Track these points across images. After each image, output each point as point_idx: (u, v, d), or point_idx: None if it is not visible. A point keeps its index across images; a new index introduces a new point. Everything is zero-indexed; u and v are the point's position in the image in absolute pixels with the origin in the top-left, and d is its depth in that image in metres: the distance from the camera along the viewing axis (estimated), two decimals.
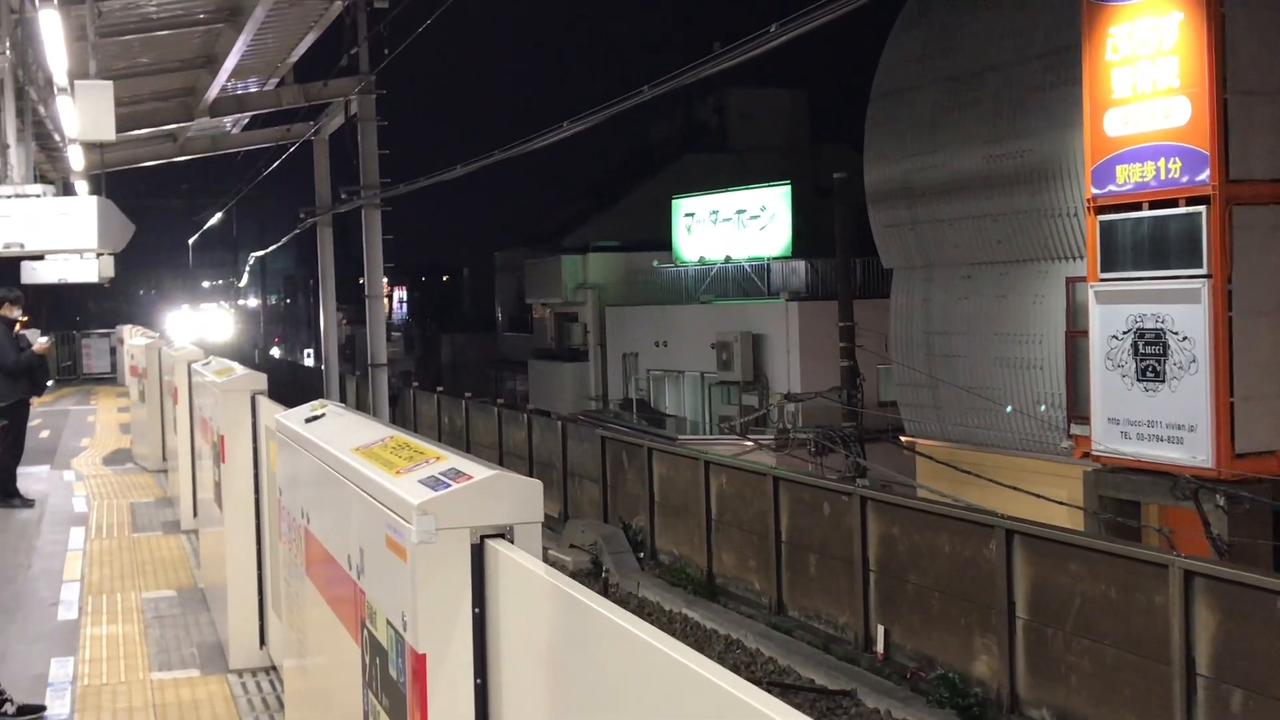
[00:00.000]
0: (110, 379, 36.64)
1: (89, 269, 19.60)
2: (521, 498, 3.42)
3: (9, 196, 11.31)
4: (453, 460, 3.73)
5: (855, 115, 26.78)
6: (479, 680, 3.39)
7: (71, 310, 75.09)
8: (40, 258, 18.62)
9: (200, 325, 52.08)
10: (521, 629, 3.21)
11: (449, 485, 3.46)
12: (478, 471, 3.48)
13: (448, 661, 3.41)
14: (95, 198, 12.68)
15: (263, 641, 7.93)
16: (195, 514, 11.50)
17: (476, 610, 3.38)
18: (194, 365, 10.75)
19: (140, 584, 10.53)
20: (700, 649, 15.62)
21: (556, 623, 2.98)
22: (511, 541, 3.37)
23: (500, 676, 3.35)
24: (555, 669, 3.02)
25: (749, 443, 25.06)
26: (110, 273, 21.32)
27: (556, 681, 3.01)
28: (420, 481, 3.60)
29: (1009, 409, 21.28)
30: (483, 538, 3.39)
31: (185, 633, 8.94)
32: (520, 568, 3.19)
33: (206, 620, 9.21)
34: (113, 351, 37.84)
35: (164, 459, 15.89)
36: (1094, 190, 17.34)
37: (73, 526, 13.23)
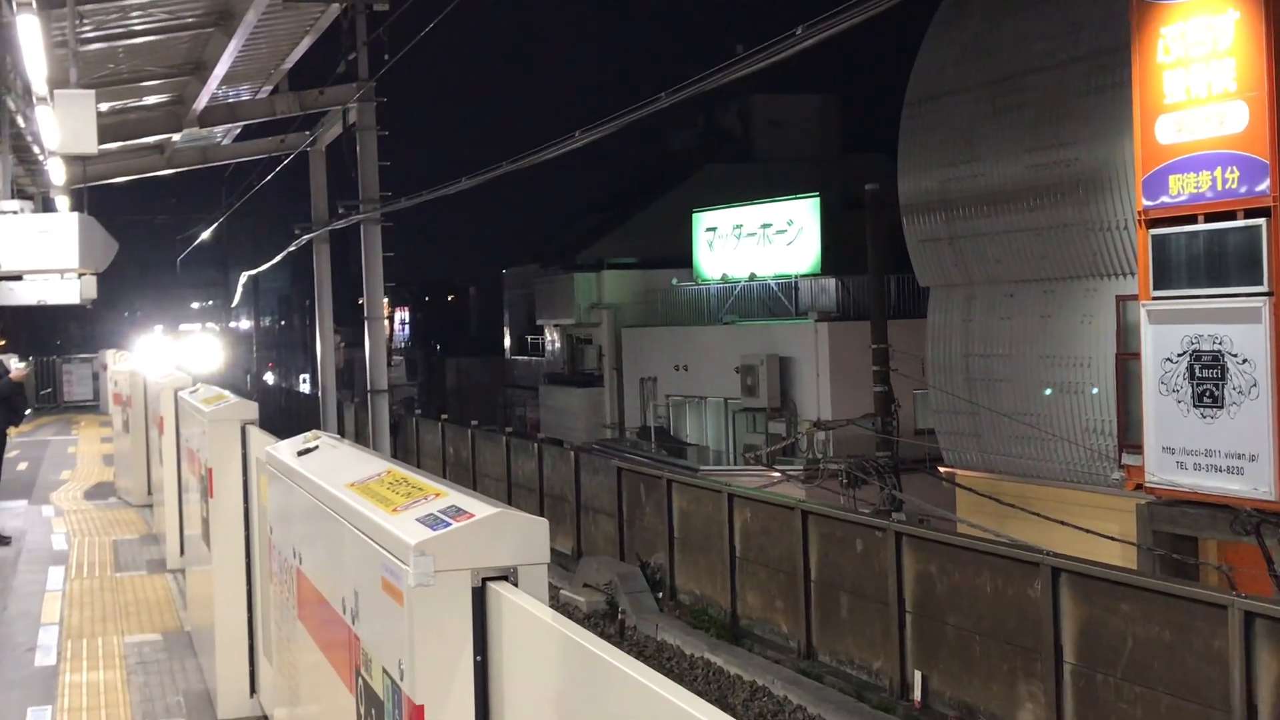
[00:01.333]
0: (93, 407, 36.81)
1: (70, 290, 19.65)
2: (526, 537, 3.42)
3: None
4: (453, 497, 3.74)
5: (889, 122, 26.80)
6: None
7: (52, 334, 75.46)
8: (18, 278, 18.69)
9: (180, 351, 51.88)
10: (526, 679, 3.21)
11: (449, 524, 3.47)
12: (479, 509, 3.49)
13: (447, 714, 3.41)
14: (77, 214, 12.77)
15: (253, 689, 7.93)
16: (182, 552, 11.53)
17: (478, 658, 3.38)
18: (181, 393, 10.79)
19: (123, 627, 10.55)
20: (723, 697, 15.57)
21: (564, 673, 2.97)
22: (515, 584, 3.37)
23: None
24: None
25: (776, 474, 25.02)
26: (93, 294, 21.36)
27: None
28: (418, 520, 3.61)
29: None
30: (485, 580, 3.39)
31: (171, 680, 8.95)
32: (525, 613, 3.19)
33: (194, 666, 9.23)
34: (95, 378, 38.03)
35: (149, 493, 15.93)
36: (1145, 202, 17.30)
37: (51, 565, 13.27)
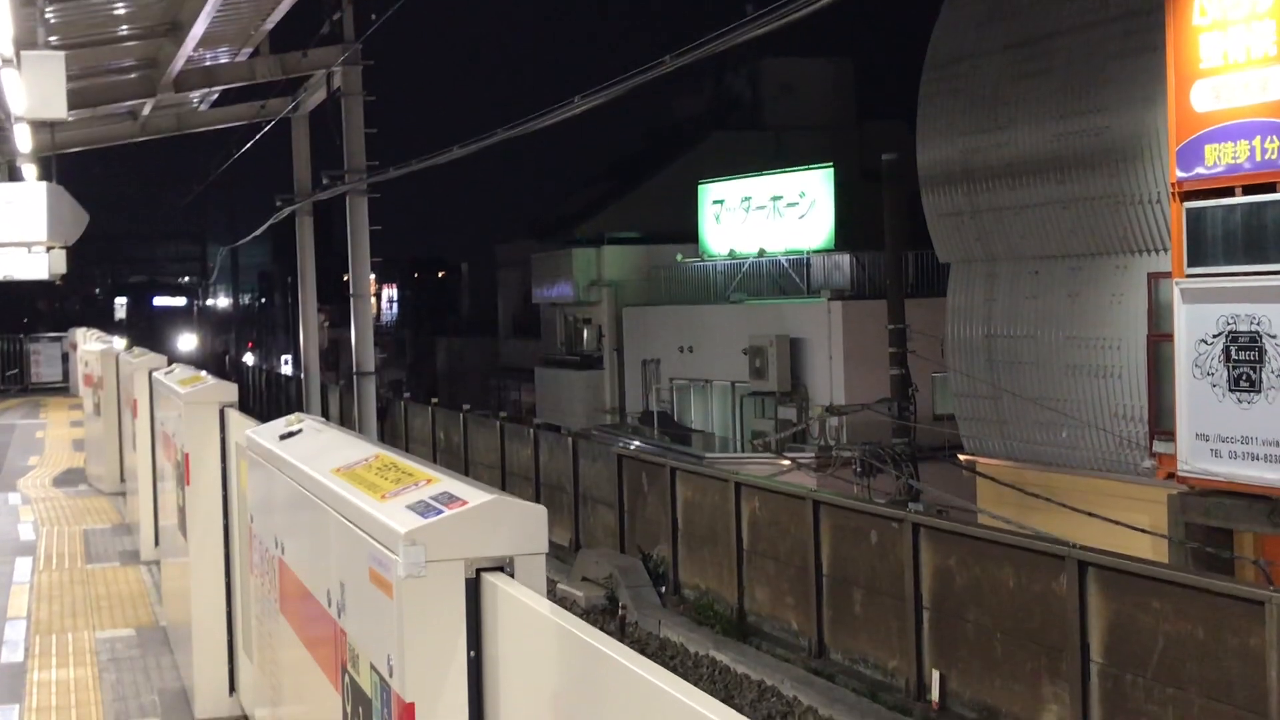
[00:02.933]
0: (62, 389, 36.83)
1: (38, 264, 19.68)
2: (523, 525, 3.42)
3: None
4: (445, 483, 3.74)
5: (907, 88, 26.75)
6: None
7: (18, 311, 75.46)
8: None
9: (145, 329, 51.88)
10: (523, 675, 3.21)
11: (441, 511, 3.47)
12: (473, 496, 3.49)
13: (439, 712, 3.42)
14: (45, 184, 12.77)
15: (233, 688, 7.95)
16: (157, 543, 11.54)
17: (472, 653, 3.39)
18: (156, 374, 10.79)
19: (95, 622, 10.57)
20: (729, 697, 15.60)
21: (563, 667, 2.98)
22: (511, 575, 3.37)
23: None
24: None
25: (785, 461, 25.04)
26: (62, 268, 21.45)
27: None
28: (408, 507, 3.61)
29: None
30: (479, 571, 3.40)
31: (145, 678, 8.97)
32: (522, 605, 3.19)
33: (169, 663, 9.25)
34: (65, 358, 38.05)
35: (122, 480, 15.96)
36: (1179, 173, 17.28)
37: (19, 557, 13.29)
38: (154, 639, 9.93)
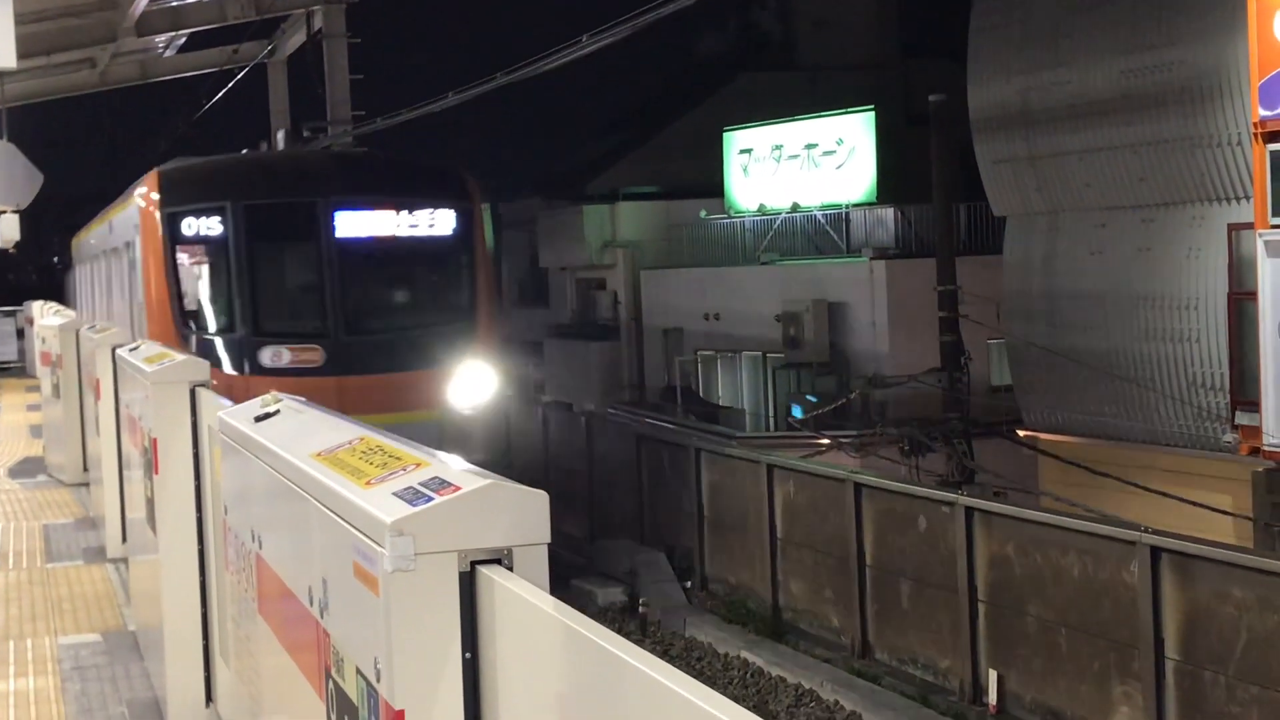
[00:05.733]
0: (17, 368, 36.97)
1: None
2: (523, 513, 3.43)
3: None
4: (436, 467, 3.75)
5: (957, 21, 26.64)
6: None
7: None
8: None
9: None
10: (524, 677, 3.23)
11: (431, 498, 3.48)
12: (467, 481, 3.50)
13: (432, 719, 3.44)
14: None
15: (209, 698, 7.99)
16: (124, 539, 11.59)
17: (467, 655, 3.41)
18: (120, 351, 10.83)
19: (57, 626, 10.63)
20: (763, 702, 15.66)
21: (568, 669, 3.00)
22: (510, 568, 3.39)
23: None
24: None
25: (824, 441, 25.04)
26: (14, 234, 21.48)
27: None
28: (395, 494, 3.63)
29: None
30: (474, 564, 3.41)
31: (113, 687, 9.03)
32: (521, 601, 3.21)
33: (139, 671, 9.30)
34: (20, 334, 38.17)
35: (85, 469, 16.02)
36: (1263, 112, 17.20)
37: None
38: (122, 644, 9.98)
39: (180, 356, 8.75)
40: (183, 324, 15.37)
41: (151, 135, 53.98)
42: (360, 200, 16.01)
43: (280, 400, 5.80)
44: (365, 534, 3.66)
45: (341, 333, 15.48)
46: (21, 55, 12.45)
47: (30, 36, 20.50)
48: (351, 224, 15.88)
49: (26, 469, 19.12)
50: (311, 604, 4.36)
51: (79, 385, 15.67)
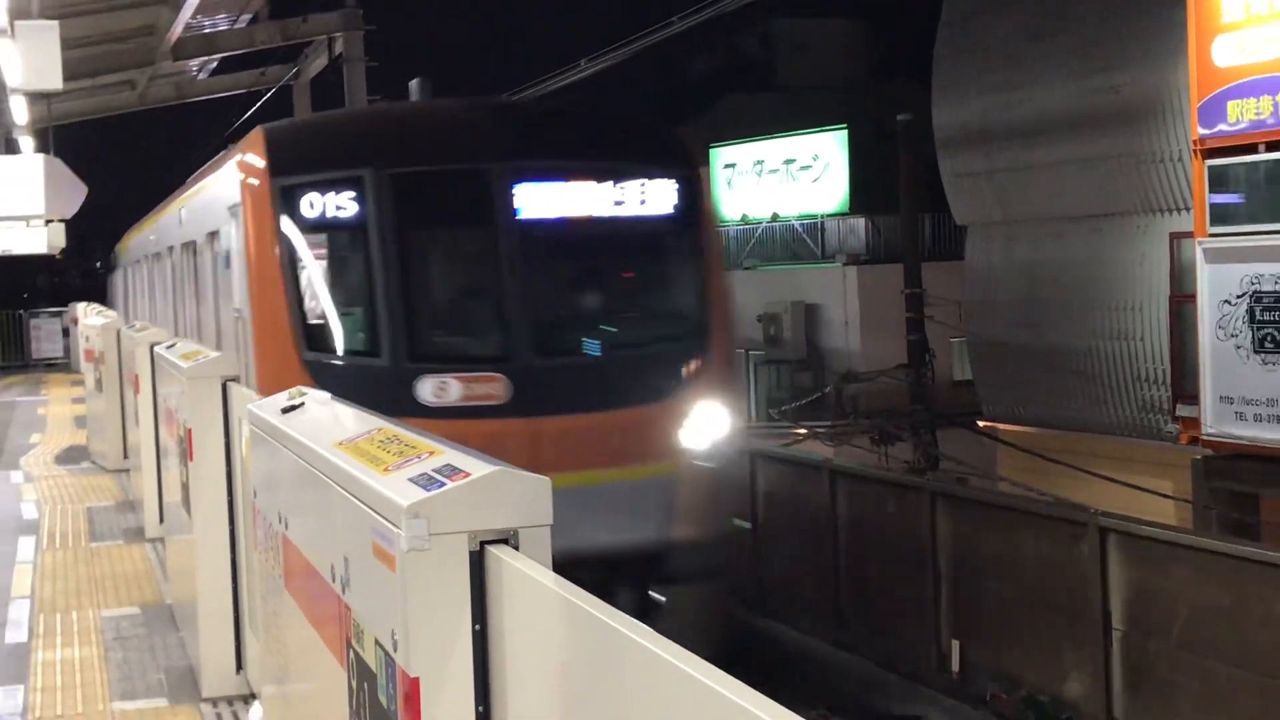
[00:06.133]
0: (63, 365, 36.93)
1: (37, 238, 19.76)
2: (528, 497, 3.44)
3: None
4: (449, 455, 3.76)
5: (923, 46, 26.62)
6: (480, 707, 3.42)
7: (18, 286, 75.61)
8: None
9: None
10: (529, 648, 3.23)
11: (443, 484, 3.49)
12: (477, 468, 3.51)
13: (444, 686, 3.44)
14: (42, 156, 12.79)
15: (239, 666, 8.00)
16: (161, 520, 11.60)
17: (477, 627, 3.41)
18: (158, 348, 10.82)
19: (99, 601, 10.63)
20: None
21: (570, 641, 3.00)
22: (516, 548, 3.39)
23: (505, 703, 3.38)
24: (569, 694, 3.04)
25: (801, 430, 25.02)
26: (61, 242, 21.49)
27: (570, 709, 3.04)
28: (411, 480, 3.63)
29: None
30: (483, 544, 3.42)
31: (151, 656, 9.03)
32: (527, 578, 3.21)
33: (175, 642, 9.30)
34: (66, 333, 38.12)
35: (125, 457, 16.02)
36: (1201, 130, 17.19)
37: (21, 536, 13.36)
38: (159, 617, 9.98)
39: (213, 353, 8.74)
40: (306, 344, 9.99)
41: (186, 150, 53.86)
42: (548, 168, 10.71)
43: (305, 394, 5.81)
44: (383, 516, 3.66)
45: (531, 354, 10.19)
46: (67, 78, 12.44)
47: (75, 60, 20.47)
48: (537, 199, 10.56)
49: (72, 456, 19.11)
50: (334, 580, 4.36)
51: (119, 380, 15.67)
